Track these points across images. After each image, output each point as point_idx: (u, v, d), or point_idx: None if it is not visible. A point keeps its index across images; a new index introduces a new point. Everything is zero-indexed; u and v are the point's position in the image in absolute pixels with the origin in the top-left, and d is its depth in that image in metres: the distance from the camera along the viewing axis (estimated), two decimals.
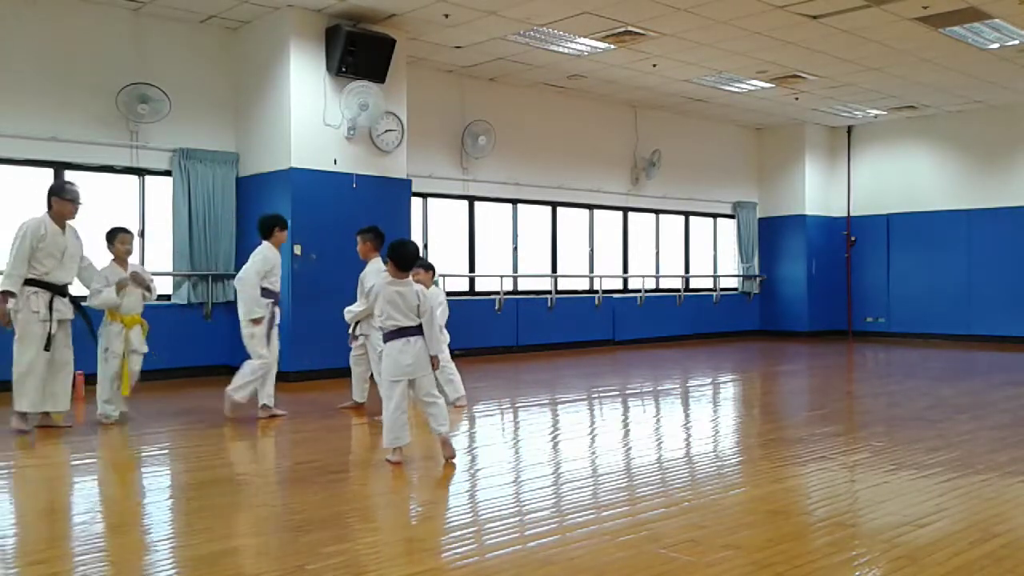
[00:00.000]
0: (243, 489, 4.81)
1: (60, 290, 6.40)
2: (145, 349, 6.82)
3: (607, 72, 11.94)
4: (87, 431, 6.49)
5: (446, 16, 9.43)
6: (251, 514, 4.34)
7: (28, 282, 6.23)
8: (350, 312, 7.17)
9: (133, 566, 3.52)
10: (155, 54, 9.36)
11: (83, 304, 6.52)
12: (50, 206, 6.42)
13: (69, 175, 8.97)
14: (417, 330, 5.26)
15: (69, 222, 6.50)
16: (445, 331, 7.80)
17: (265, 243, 7.13)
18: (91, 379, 7.39)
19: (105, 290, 6.51)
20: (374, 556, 3.60)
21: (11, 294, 6.14)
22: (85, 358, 6.92)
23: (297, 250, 9.13)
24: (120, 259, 6.70)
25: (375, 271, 7.11)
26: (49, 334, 6.29)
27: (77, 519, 4.38)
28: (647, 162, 14.37)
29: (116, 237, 6.72)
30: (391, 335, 5.25)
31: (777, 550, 3.63)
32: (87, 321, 6.68)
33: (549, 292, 13.09)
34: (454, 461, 5.31)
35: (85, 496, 4.93)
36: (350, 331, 7.44)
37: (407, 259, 5.29)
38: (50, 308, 6.31)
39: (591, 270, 13.96)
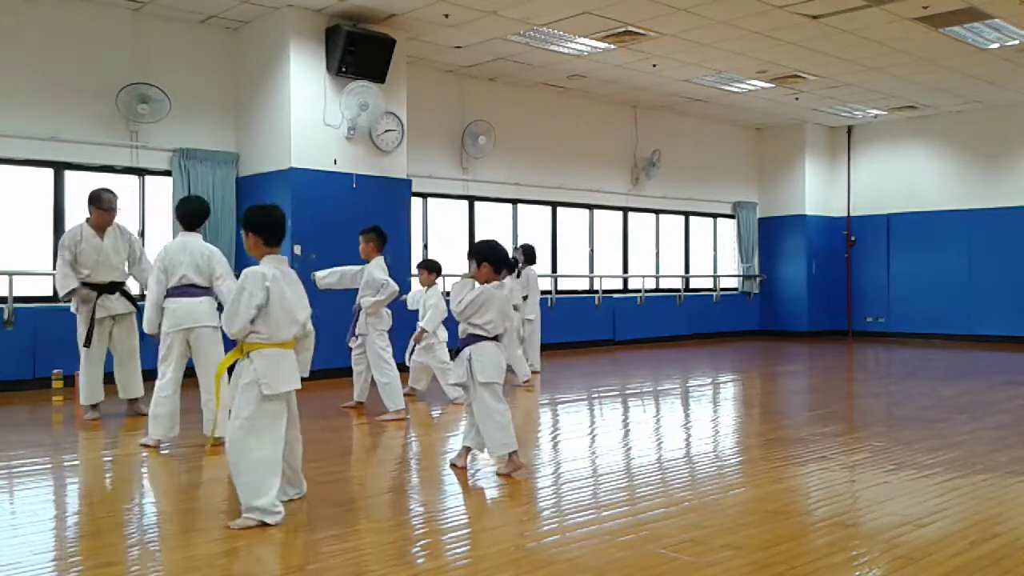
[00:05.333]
0: None
1: (106, 288, 6.81)
2: None
3: (607, 72, 11.94)
4: (86, 431, 6.49)
5: (446, 16, 9.43)
6: None
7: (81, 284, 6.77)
8: (369, 300, 7.07)
9: (132, 566, 3.52)
10: (155, 54, 9.36)
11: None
12: (89, 214, 6.80)
13: (69, 175, 8.98)
14: (497, 337, 5.13)
15: (117, 223, 6.89)
16: (441, 331, 7.79)
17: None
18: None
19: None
20: (375, 556, 3.60)
21: (72, 291, 6.70)
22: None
23: (297, 250, 9.12)
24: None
25: (378, 267, 7.11)
26: (89, 330, 6.73)
27: (71, 520, 4.38)
28: (647, 162, 14.37)
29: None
30: (483, 338, 5.02)
31: (777, 550, 3.63)
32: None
33: (549, 292, 13.08)
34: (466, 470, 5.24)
35: (82, 495, 4.93)
36: (351, 331, 7.44)
37: (502, 259, 5.16)
38: (96, 307, 6.75)
39: (591, 270, 13.96)
